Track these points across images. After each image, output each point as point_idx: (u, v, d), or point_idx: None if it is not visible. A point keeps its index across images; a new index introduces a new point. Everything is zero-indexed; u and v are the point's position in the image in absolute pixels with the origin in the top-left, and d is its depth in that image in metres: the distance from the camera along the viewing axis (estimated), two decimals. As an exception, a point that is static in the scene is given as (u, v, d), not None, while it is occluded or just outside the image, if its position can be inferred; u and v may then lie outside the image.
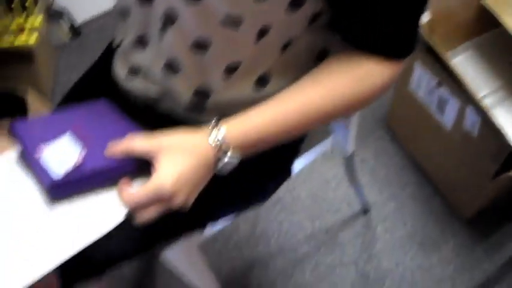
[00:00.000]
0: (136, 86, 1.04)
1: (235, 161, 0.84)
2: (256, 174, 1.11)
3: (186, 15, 0.85)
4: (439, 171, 1.87)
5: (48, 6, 2.28)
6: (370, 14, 0.80)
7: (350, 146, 1.45)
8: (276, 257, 1.76)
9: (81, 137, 0.88)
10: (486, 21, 1.64)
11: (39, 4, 2.05)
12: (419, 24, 0.85)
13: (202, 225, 1.12)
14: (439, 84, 1.63)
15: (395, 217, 1.83)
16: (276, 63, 0.93)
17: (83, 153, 0.84)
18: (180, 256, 1.23)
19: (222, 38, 0.86)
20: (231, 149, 0.82)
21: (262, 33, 0.86)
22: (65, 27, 2.43)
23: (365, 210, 1.85)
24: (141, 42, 0.98)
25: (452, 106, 1.62)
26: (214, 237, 1.80)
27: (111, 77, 1.11)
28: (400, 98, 1.91)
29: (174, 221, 1.02)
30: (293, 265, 1.73)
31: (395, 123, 2.02)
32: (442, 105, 1.66)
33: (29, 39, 1.87)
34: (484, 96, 1.72)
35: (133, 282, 1.72)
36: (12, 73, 1.96)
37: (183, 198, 0.81)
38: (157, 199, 0.79)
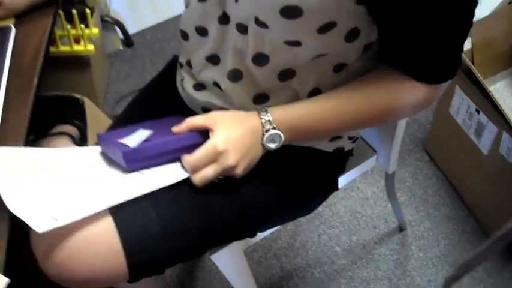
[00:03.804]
0: (203, 97, 1.13)
1: (279, 136, 0.99)
2: (305, 187, 1.18)
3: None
4: (474, 194, 1.90)
5: (104, 15, 2.37)
6: (415, 44, 0.89)
7: (392, 165, 1.51)
8: (313, 268, 1.81)
9: (152, 129, 1.06)
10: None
11: (95, 14, 2.13)
12: (461, 51, 0.93)
13: (252, 234, 1.19)
14: (478, 109, 1.68)
15: (430, 236, 1.88)
16: (328, 80, 1.02)
17: (153, 134, 1.03)
18: (226, 259, 1.29)
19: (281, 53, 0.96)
20: (275, 125, 0.98)
21: (318, 56, 0.96)
22: (118, 36, 2.50)
23: (401, 228, 1.90)
24: (212, 59, 1.07)
25: (490, 131, 1.66)
26: (255, 247, 1.87)
27: (175, 88, 1.23)
28: (439, 120, 1.97)
29: (228, 227, 1.10)
30: (329, 277, 1.79)
31: (434, 145, 2.07)
32: (479, 130, 1.71)
33: (86, 47, 1.94)
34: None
35: (176, 281, 1.79)
36: (68, 80, 2.03)
37: (235, 159, 0.96)
38: (212, 157, 0.96)
